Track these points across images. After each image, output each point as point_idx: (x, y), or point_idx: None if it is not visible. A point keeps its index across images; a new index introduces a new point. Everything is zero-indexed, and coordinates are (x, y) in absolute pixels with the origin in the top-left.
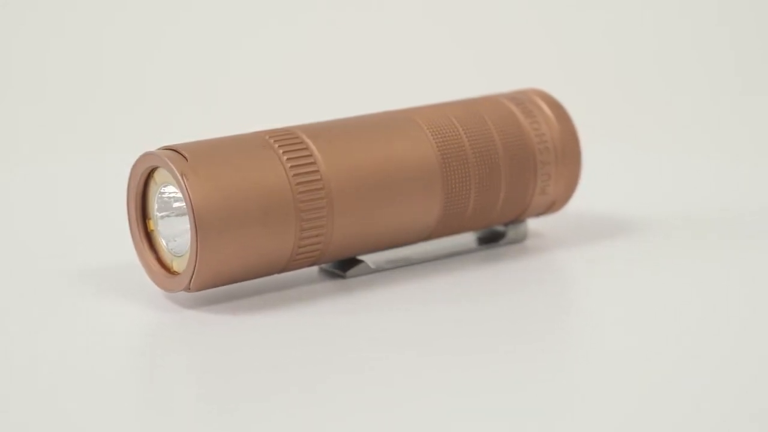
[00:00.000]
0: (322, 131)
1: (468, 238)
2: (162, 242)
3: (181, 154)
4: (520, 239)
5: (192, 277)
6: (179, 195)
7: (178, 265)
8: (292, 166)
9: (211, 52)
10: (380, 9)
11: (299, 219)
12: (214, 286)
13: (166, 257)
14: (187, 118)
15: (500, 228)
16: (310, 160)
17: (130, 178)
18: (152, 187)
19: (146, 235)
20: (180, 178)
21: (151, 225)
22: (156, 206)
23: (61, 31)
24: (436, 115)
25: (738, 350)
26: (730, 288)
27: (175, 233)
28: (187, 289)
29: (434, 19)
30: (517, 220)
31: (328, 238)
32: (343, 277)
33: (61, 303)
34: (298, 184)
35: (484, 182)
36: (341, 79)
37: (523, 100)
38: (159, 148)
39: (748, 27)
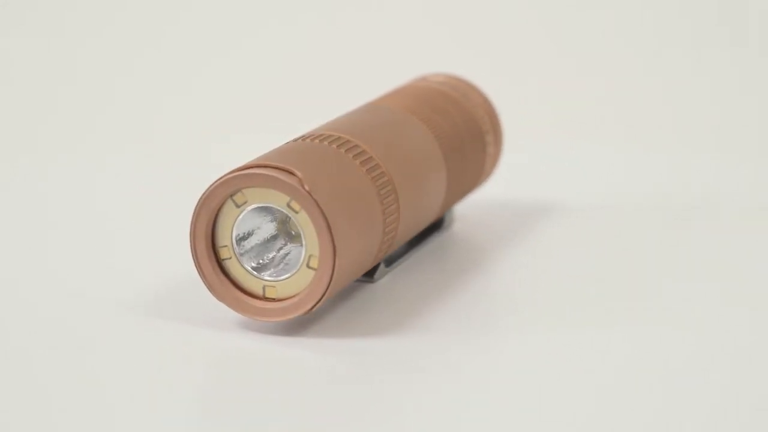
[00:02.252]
0: (355, 131)
1: None
2: (260, 275)
3: (287, 170)
4: (449, 225)
5: (323, 296)
6: (265, 218)
7: (277, 291)
8: (367, 170)
9: (211, 52)
10: (380, 9)
11: (383, 222)
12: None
13: (252, 284)
14: (187, 119)
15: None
16: (375, 162)
17: (200, 208)
18: (228, 213)
19: (219, 265)
20: (308, 194)
21: (227, 253)
22: (236, 233)
23: (60, 31)
24: (417, 106)
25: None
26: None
27: (269, 258)
28: (308, 312)
29: (430, 19)
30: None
31: (395, 233)
32: (371, 282)
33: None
34: (378, 186)
35: (461, 164)
36: (333, 79)
37: (455, 85)
38: (242, 168)
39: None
